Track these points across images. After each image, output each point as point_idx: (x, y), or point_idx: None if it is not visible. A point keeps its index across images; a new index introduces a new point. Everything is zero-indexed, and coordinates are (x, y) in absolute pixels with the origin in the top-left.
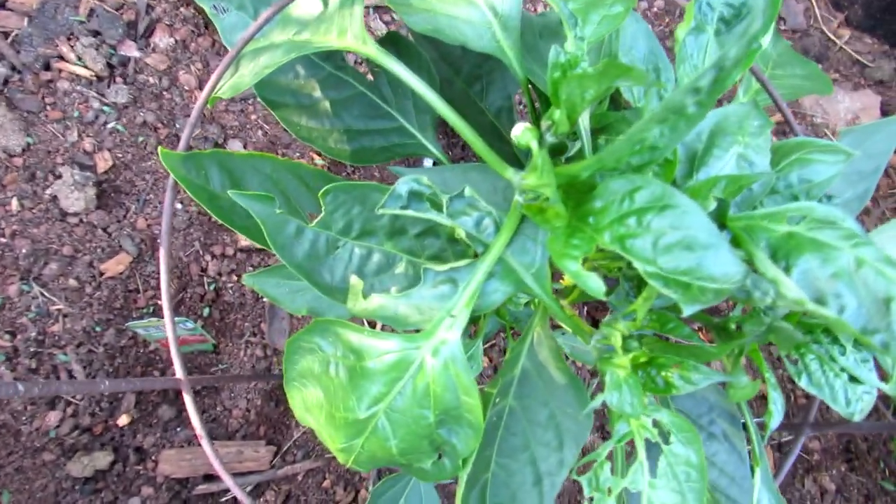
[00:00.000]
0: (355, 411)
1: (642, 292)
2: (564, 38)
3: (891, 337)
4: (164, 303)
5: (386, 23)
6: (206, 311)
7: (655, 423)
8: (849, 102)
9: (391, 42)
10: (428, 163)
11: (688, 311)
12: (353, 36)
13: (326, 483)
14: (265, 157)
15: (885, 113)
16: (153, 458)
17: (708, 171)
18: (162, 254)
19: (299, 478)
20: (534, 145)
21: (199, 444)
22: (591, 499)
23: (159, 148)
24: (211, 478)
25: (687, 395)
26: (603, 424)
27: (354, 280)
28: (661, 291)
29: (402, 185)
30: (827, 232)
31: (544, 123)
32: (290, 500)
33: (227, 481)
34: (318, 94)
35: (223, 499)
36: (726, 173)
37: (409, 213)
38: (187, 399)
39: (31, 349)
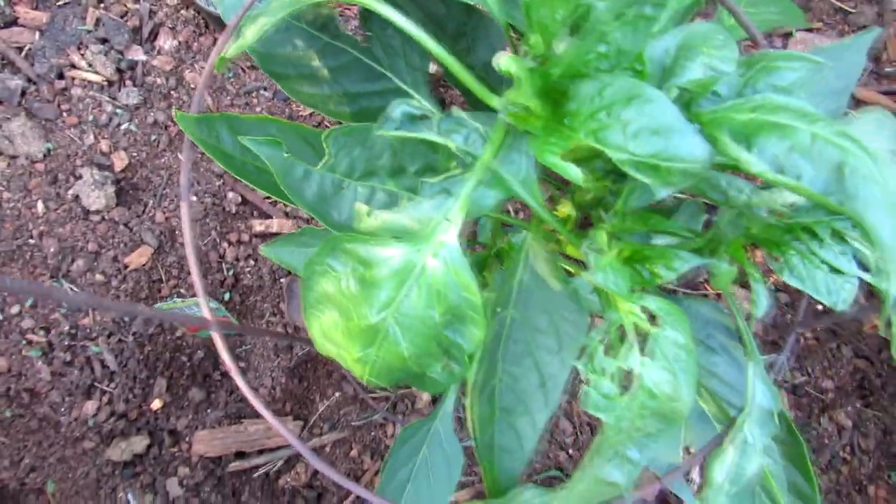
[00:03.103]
0: (367, 318)
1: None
2: None
3: (844, 196)
4: (188, 249)
5: None
6: (227, 296)
7: (644, 310)
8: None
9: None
10: None
11: (661, 193)
12: None
13: (354, 452)
14: (271, 119)
15: (870, 56)
16: (187, 439)
17: (677, 81)
18: (183, 208)
19: (327, 449)
20: (514, 67)
21: (230, 424)
22: (588, 381)
23: (174, 110)
24: (243, 455)
25: (687, 314)
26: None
27: (359, 206)
28: (635, 177)
29: (395, 109)
30: (784, 114)
31: (522, 49)
32: (319, 471)
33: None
34: (316, 63)
35: (255, 474)
36: None
37: (403, 133)
38: (216, 337)
39: (65, 343)
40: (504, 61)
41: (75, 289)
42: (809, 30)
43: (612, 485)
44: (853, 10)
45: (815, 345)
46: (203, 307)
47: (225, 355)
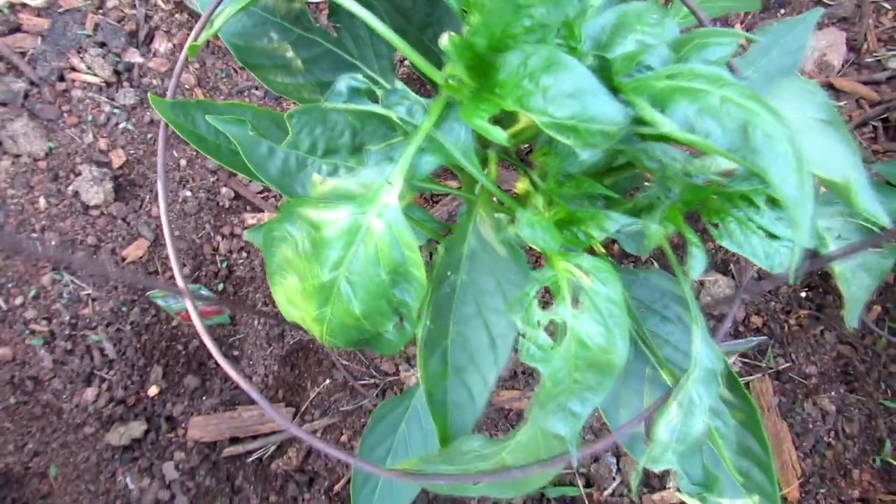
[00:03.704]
0: (320, 276)
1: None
2: None
3: (749, 152)
4: (164, 226)
5: None
6: (220, 287)
7: (578, 268)
8: (814, 41)
9: None
10: None
11: (583, 154)
12: None
13: (344, 437)
14: (245, 105)
15: (850, 47)
16: (183, 425)
17: (610, 55)
18: (160, 186)
19: (318, 434)
20: (447, 44)
21: (225, 411)
22: (525, 333)
23: (149, 94)
24: (237, 440)
25: (641, 284)
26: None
27: (315, 175)
28: (558, 139)
29: (342, 83)
30: (698, 80)
31: (464, 29)
32: (310, 455)
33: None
34: (290, 54)
35: (249, 459)
36: None
37: (350, 106)
38: (188, 304)
39: (66, 332)
40: (444, 40)
41: (76, 281)
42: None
43: (558, 437)
44: (832, 3)
45: (798, 331)
46: (176, 274)
47: (196, 321)
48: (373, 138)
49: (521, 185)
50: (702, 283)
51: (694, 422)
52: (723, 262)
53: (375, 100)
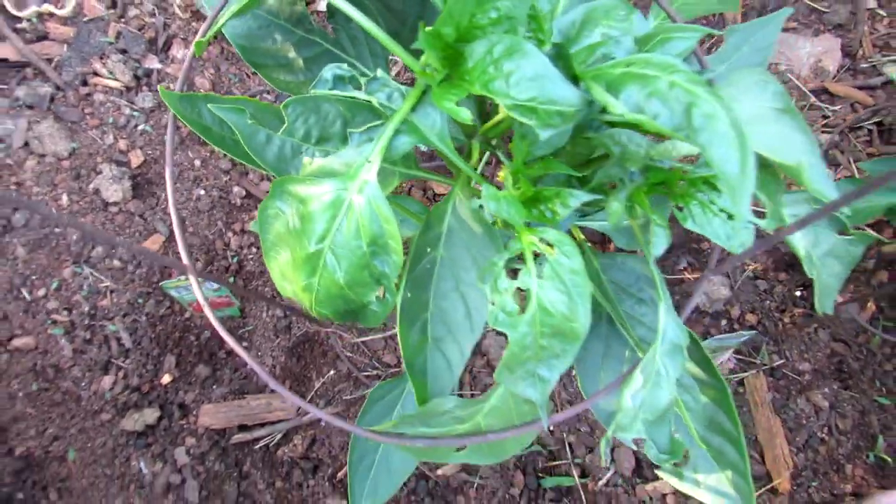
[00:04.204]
0: (307, 248)
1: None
2: None
3: (691, 131)
4: (171, 209)
5: None
6: (231, 280)
7: (543, 241)
8: (810, 47)
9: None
10: None
11: (543, 134)
12: None
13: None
14: (248, 99)
15: (846, 53)
16: (194, 412)
17: (577, 47)
18: (168, 173)
19: (322, 423)
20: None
21: (234, 399)
22: (493, 301)
23: (159, 87)
24: (245, 427)
25: (618, 268)
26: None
27: (305, 158)
28: (520, 120)
29: (328, 72)
30: (651, 68)
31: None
32: (315, 443)
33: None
34: (292, 54)
35: (256, 446)
36: None
37: (335, 93)
38: (192, 279)
39: (86, 322)
40: (420, 35)
41: (95, 273)
42: (786, 29)
43: (529, 403)
44: (827, 10)
45: (792, 328)
46: (182, 254)
47: (197, 292)
48: (357, 124)
49: (503, 173)
50: (697, 282)
51: (661, 393)
52: (718, 261)
53: (359, 87)
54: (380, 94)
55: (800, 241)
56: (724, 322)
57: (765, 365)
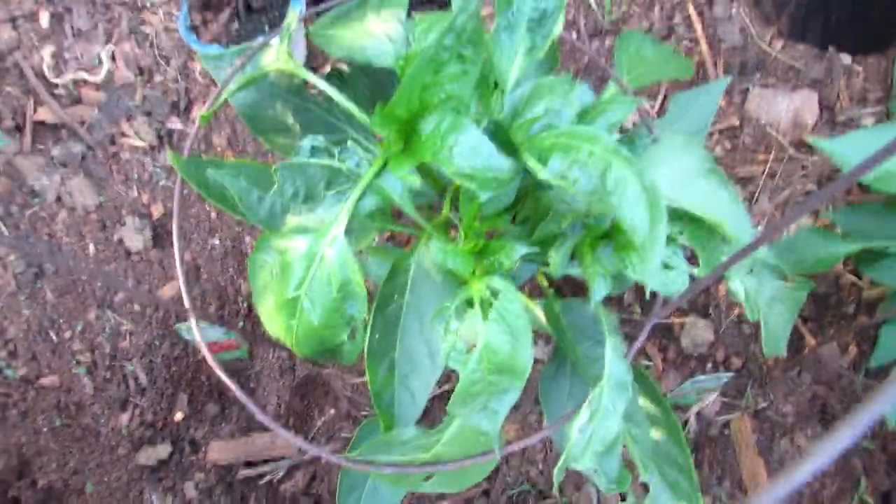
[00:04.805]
0: (287, 293)
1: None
2: None
3: (605, 193)
4: (176, 249)
5: None
6: (241, 324)
7: (489, 288)
8: (788, 102)
9: (335, 75)
10: None
11: (483, 196)
12: (282, 61)
13: None
14: (247, 163)
15: (823, 107)
16: (203, 448)
17: (521, 119)
18: (175, 224)
19: (322, 460)
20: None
21: (240, 436)
22: (445, 340)
23: (169, 151)
24: (250, 464)
25: (577, 313)
26: None
27: (289, 218)
28: (464, 185)
29: (306, 142)
30: (575, 139)
31: (394, 110)
32: (315, 479)
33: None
34: (290, 120)
35: (261, 481)
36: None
37: (313, 160)
38: (192, 321)
39: (107, 362)
40: (375, 114)
41: (116, 317)
42: (765, 85)
43: (484, 433)
44: (804, 67)
45: (776, 371)
46: (184, 291)
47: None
48: (336, 186)
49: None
50: (682, 326)
51: (610, 425)
52: (703, 306)
53: (333, 155)
54: (350, 161)
55: (740, 288)
56: (709, 365)
57: (749, 407)
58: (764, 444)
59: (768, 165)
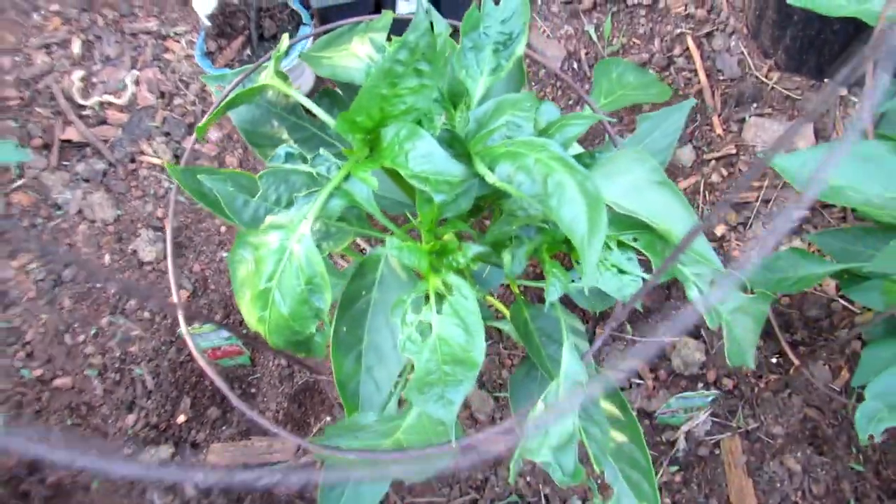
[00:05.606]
0: (259, 286)
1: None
2: None
3: (545, 196)
4: (169, 261)
5: None
6: (244, 332)
7: (445, 284)
8: (784, 131)
9: (326, 94)
10: None
11: (437, 198)
12: (271, 78)
13: None
14: (241, 173)
15: (819, 136)
16: (204, 450)
17: (484, 130)
18: (168, 229)
19: (318, 465)
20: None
21: (240, 440)
22: (402, 331)
23: (166, 163)
24: (248, 466)
25: (544, 318)
26: None
27: (268, 217)
28: (419, 187)
29: (281, 150)
30: (524, 147)
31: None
32: (310, 483)
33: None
34: (286, 136)
35: (258, 483)
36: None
37: (287, 166)
38: (179, 316)
39: (116, 366)
40: (337, 121)
41: (128, 323)
42: (761, 115)
43: (441, 423)
44: (800, 97)
45: (767, 393)
46: (174, 292)
47: (183, 326)
48: (305, 189)
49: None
50: (674, 346)
51: (565, 422)
52: (694, 327)
53: (306, 162)
54: (321, 167)
55: (697, 295)
56: (700, 385)
57: (740, 428)
58: (754, 465)
59: (763, 192)
